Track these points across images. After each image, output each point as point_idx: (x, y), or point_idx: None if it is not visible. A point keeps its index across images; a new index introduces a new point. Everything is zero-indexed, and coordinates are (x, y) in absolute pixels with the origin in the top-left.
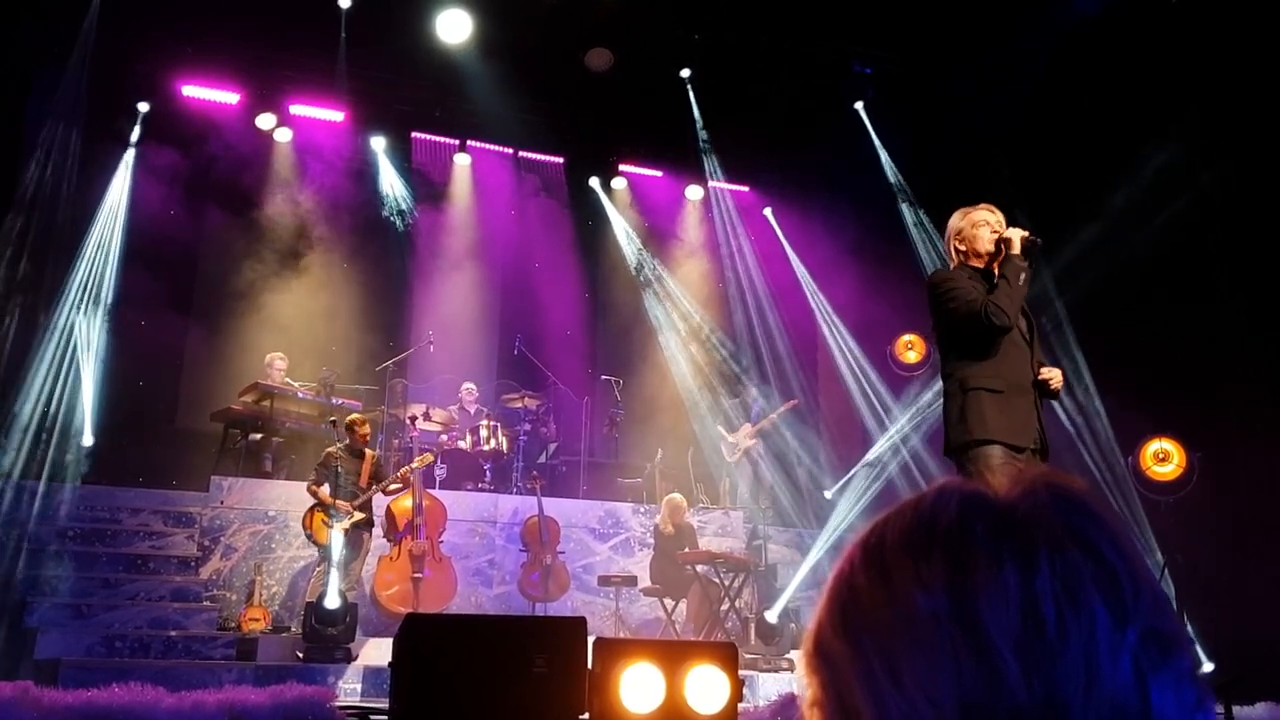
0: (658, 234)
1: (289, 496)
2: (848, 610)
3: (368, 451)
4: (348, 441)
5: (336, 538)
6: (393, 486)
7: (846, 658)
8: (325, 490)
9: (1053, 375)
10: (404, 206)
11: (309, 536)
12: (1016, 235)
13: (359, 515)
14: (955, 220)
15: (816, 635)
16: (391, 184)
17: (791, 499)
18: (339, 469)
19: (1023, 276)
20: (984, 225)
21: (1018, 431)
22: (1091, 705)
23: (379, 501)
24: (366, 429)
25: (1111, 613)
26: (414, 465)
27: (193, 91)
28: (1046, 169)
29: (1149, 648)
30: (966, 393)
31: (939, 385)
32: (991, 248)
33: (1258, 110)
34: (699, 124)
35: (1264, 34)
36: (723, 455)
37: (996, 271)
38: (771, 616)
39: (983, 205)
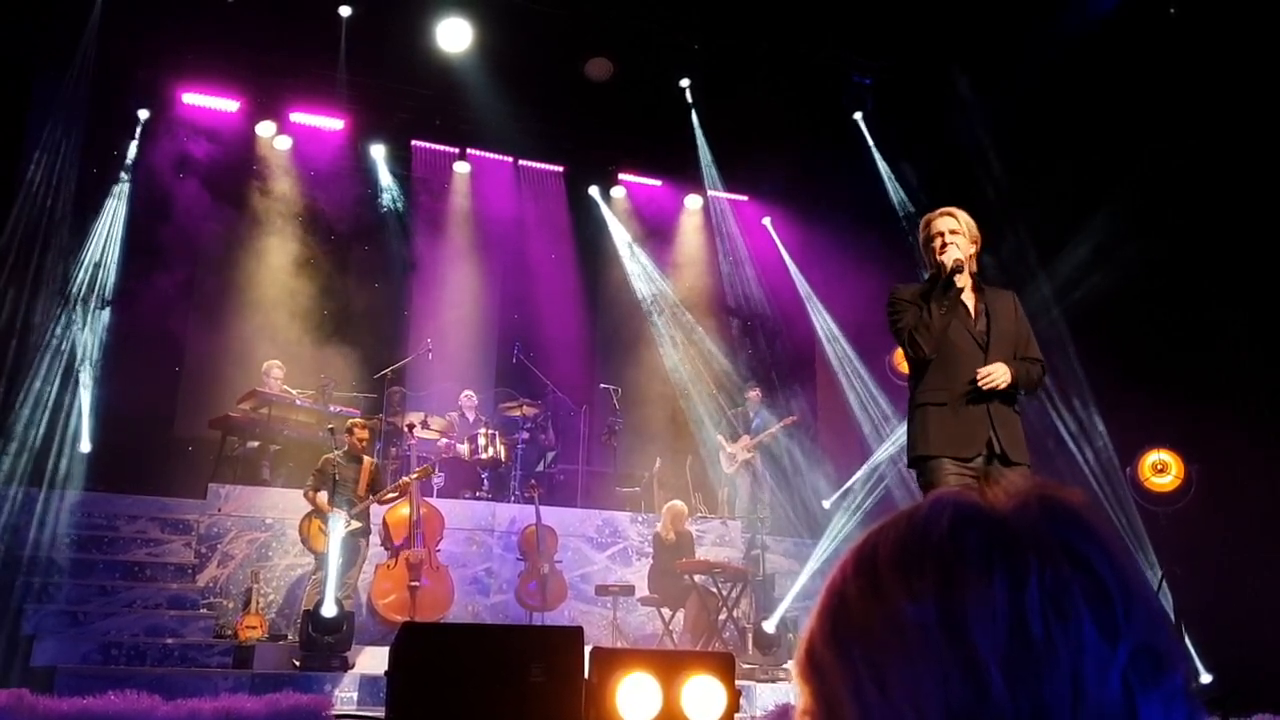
0: (657, 243)
1: (286, 504)
2: (838, 620)
3: (365, 459)
4: (346, 448)
5: (334, 545)
6: (389, 496)
7: (836, 667)
8: (323, 497)
9: (986, 376)
10: (403, 214)
11: (305, 543)
12: (948, 260)
13: (355, 524)
14: (921, 227)
15: (808, 645)
16: (391, 192)
17: (790, 508)
18: (336, 476)
19: (945, 305)
20: (938, 237)
21: (962, 443)
22: None
23: (376, 509)
24: (365, 434)
25: (1101, 629)
26: (413, 476)
27: (193, 99)
28: (1045, 177)
29: (1140, 665)
30: (915, 408)
31: None
32: (941, 261)
33: (1257, 113)
34: (698, 133)
35: (1262, 33)
36: (721, 465)
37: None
38: (769, 626)
39: (943, 211)
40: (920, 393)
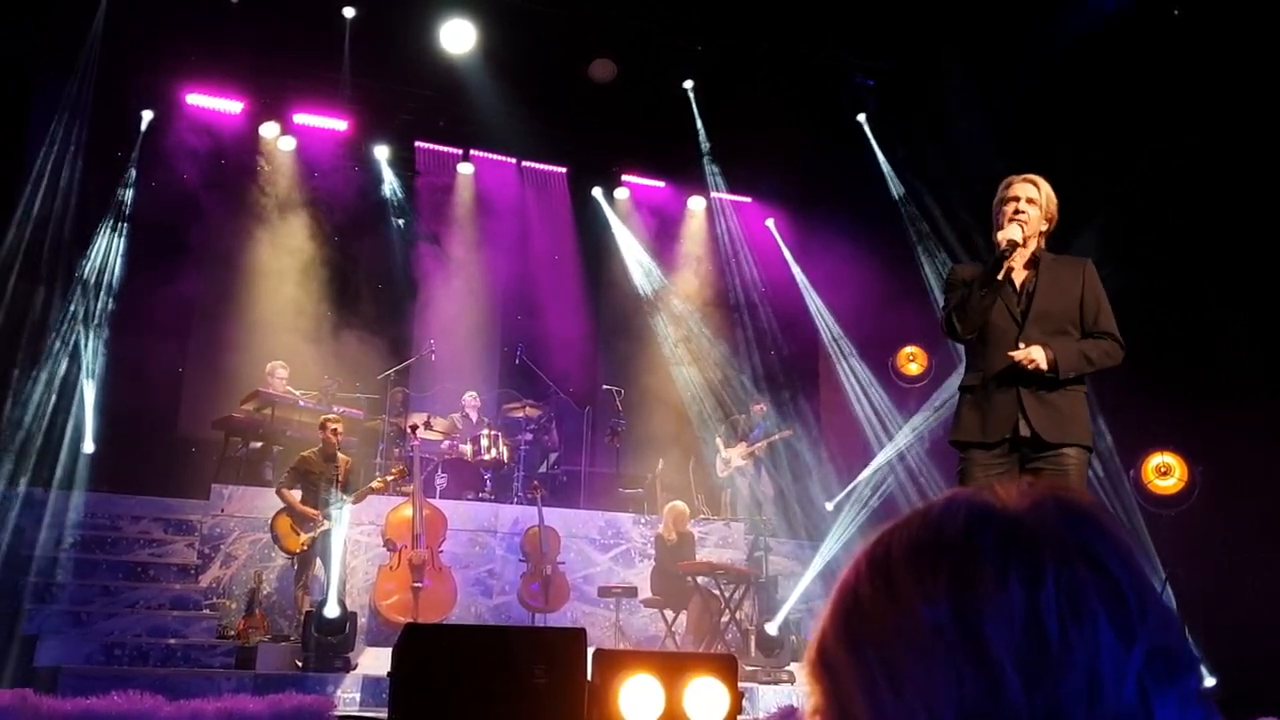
0: (660, 244)
1: None
2: (851, 619)
3: (341, 456)
4: (321, 445)
5: (336, 545)
6: (373, 489)
7: (849, 666)
8: (296, 495)
9: (1024, 358)
10: (406, 215)
11: (277, 543)
12: (1001, 240)
13: (327, 524)
14: (1000, 188)
15: (820, 643)
16: (394, 193)
17: (793, 511)
18: (314, 474)
19: (987, 288)
20: (1011, 202)
21: (988, 427)
22: None
23: (377, 510)
24: (338, 427)
25: (1117, 630)
26: (389, 477)
27: (197, 100)
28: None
29: (1155, 666)
30: (959, 391)
31: (941, 398)
32: (995, 240)
33: (1257, 114)
34: (702, 135)
35: (1264, 33)
36: (716, 468)
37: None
38: (772, 628)
39: (1026, 177)
40: (963, 377)
